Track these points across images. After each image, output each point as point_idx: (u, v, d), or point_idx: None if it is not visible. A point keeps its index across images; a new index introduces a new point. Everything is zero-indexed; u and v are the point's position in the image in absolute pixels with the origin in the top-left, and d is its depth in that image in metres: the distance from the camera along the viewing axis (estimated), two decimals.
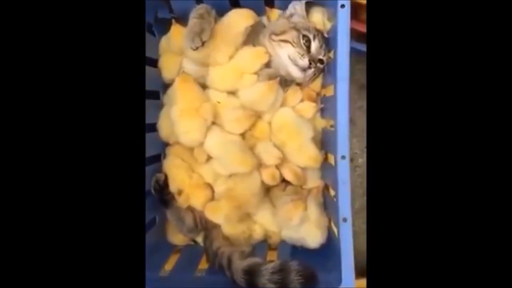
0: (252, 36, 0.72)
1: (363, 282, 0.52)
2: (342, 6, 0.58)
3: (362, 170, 0.90)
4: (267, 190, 0.74)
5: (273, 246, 0.76)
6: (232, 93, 0.72)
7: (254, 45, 0.72)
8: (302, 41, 0.70)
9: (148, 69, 0.74)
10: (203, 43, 0.65)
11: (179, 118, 0.68)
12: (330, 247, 0.68)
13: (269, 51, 0.71)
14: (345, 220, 0.58)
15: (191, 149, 0.73)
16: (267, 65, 0.72)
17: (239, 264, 0.63)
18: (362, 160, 0.91)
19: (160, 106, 0.79)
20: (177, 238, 0.79)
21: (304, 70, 0.70)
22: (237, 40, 0.70)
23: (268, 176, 0.71)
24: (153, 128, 0.77)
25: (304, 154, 0.70)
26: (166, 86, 0.79)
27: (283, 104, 0.72)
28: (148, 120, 0.72)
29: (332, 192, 0.69)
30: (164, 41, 0.79)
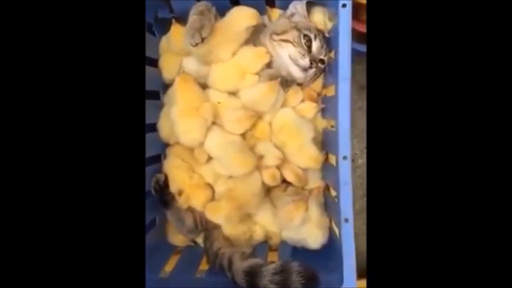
0: (253, 36, 0.72)
1: (363, 283, 0.52)
2: (344, 5, 0.58)
3: (362, 171, 0.90)
4: (267, 190, 0.74)
5: (273, 247, 0.76)
6: (233, 93, 0.72)
7: (255, 44, 0.72)
8: (303, 41, 0.70)
9: (148, 69, 0.74)
10: (202, 39, 0.65)
11: (179, 118, 0.68)
12: (331, 247, 0.68)
13: (270, 51, 0.71)
14: (346, 220, 0.58)
15: (191, 150, 0.73)
16: (268, 65, 0.72)
17: (240, 265, 0.63)
18: (362, 161, 0.91)
19: (160, 106, 0.79)
20: (177, 239, 0.79)
21: (305, 70, 0.70)
22: (240, 37, 0.70)
23: (268, 176, 0.70)
24: (153, 128, 0.77)
25: (305, 154, 0.70)
26: (166, 86, 0.79)
27: (284, 105, 0.72)
28: (148, 120, 0.72)
29: (333, 193, 0.69)
30: (164, 41, 0.79)
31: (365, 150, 0.89)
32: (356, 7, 0.59)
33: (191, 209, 0.75)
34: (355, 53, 0.59)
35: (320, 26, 0.73)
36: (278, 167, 0.71)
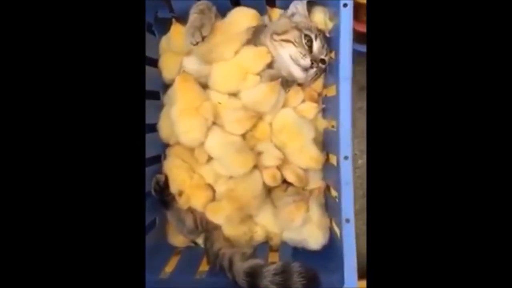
0: (253, 36, 0.71)
1: (363, 283, 0.52)
2: (345, 5, 0.57)
3: (362, 171, 0.90)
4: (268, 191, 0.74)
5: (274, 248, 0.76)
6: (233, 94, 0.72)
7: (255, 45, 0.72)
8: (304, 41, 0.69)
9: (148, 69, 0.74)
10: (203, 38, 0.65)
11: (179, 118, 0.68)
12: (331, 248, 0.67)
13: (271, 51, 0.71)
14: (348, 221, 0.58)
15: (191, 150, 0.73)
16: (269, 65, 0.71)
17: (241, 266, 0.63)
18: (362, 161, 0.90)
19: (160, 107, 0.78)
20: (177, 239, 0.79)
21: (306, 70, 0.70)
22: (242, 37, 0.70)
23: (269, 177, 0.70)
24: (153, 128, 0.77)
25: (305, 155, 0.70)
26: (166, 86, 0.79)
27: (284, 105, 0.72)
28: (148, 120, 0.72)
29: (333, 193, 0.69)
30: (164, 41, 0.79)
31: (365, 151, 0.89)
32: (356, 7, 0.59)
33: (191, 210, 0.74)
34: (355, 53, 0.59)
35: (321, 26, 0.73)
36: (279, 168, 0.71)
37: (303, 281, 0.57)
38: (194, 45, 0.66)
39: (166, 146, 0.78)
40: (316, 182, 0.73)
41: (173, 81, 0.72)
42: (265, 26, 0.75)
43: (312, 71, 0.70)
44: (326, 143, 0.73)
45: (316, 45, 0.70)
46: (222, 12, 0.71)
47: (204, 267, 0.73)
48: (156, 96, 0.80)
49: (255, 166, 0.69)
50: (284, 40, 0.70)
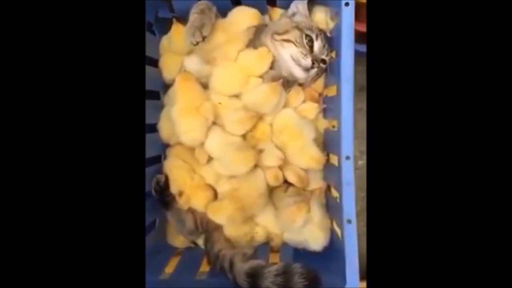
0: (254, 36, 0.71)
1: (363, 284, 0.52)
2: (347, 4, 0.57)
3: (362, 172, 0.90)
4: (269, 191, 0.73)
5: (275, 249, 0.76)
6: (234, 94, 0.71)
7: (256, 44, 0.72)
8: (305, 41, 0.69)
9: (149, 69, 0.73)
10: (203, 38, 0.65)
11: (180, 117, 0.67)
12: (332, 249, 0.67)
13: (271, 51, 0.71)
14: (349, 221, 0.58)
15: (192, 150, 0.73)
16: (270, 65, 0.71)
17: (242, 267, 0.62)
18: (362, 162, 0.90)
19: (160, 107, 0.78)
20: (177, 240, 0.79)
21: (307, 70, 0.70)
22: (244, 37, 0.70)
23: (271, 176, 0.70)
24: (154, 128, 0.77)
25: (306, 155, 0.70)
26: (167, 86, 0.79)
27: (285, 105, 0.71)
28: (149, 120, 0.71)
29: (334, 193, 0.69)
30: (164, 41, 0.79)
31: (365, 151, 0.89)
32: (356, 7, 0.59)
33: (191, 210, 0.74)
34: (355, 53, 0.59)
35: (322, 26, 0.73)
36: (280, 168, 0.71)
37: (305, 282, 0.57)
38: (195, 45, 0.66)
39: (166, 146, 0.78)
40: (317, 183, 0.73)
41: (173, 81, 0.72)
42: (265, 25, 0.74)
43: (313, 71, 0.70)
44: (327, 143, 0.73)
45: (317, 45, 0.70)
46: (223, 12, 0.71)
47: (204, 268, 0.73)
48: (156, 96, 0.80)
49: (257, 165, 0.69)
50: (285, 40, 0.70)
